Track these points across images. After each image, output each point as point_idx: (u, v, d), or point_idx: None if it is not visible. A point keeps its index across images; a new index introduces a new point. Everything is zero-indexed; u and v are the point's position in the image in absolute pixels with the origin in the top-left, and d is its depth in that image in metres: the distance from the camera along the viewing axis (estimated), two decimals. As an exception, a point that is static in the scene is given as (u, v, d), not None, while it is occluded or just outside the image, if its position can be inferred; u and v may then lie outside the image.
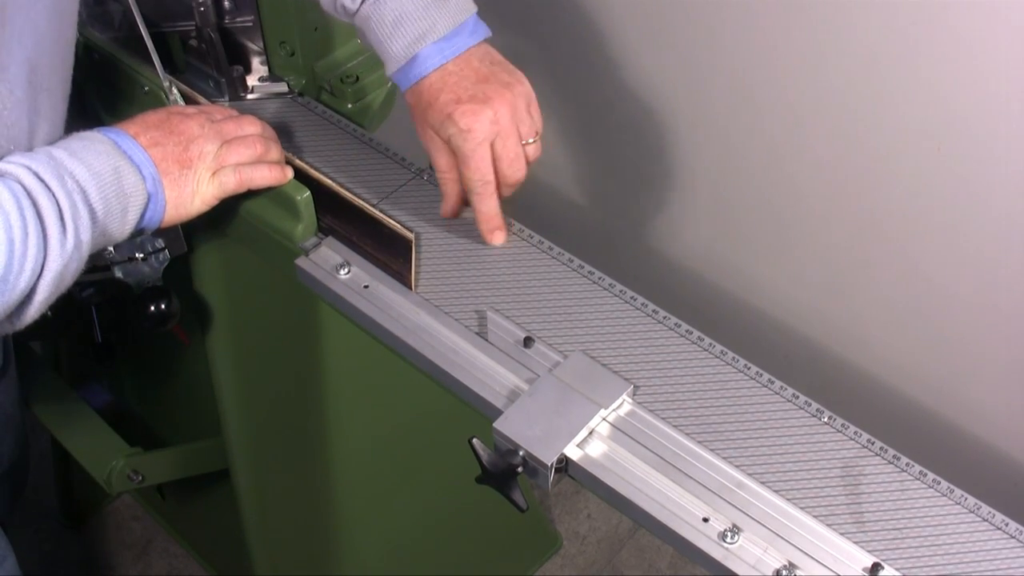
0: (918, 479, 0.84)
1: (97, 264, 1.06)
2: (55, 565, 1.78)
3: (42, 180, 0.81)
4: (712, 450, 0.85)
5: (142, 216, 0.90)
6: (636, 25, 1.39)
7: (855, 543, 0.80)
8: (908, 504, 0.82)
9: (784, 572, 0.78)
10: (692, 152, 1.45)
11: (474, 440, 0.85)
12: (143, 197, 0.89)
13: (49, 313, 0.84)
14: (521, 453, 0.84)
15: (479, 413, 0.91)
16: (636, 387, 0.90)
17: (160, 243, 1.07)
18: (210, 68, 1.13)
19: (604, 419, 0.87)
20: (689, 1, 1.31)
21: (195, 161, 0.93)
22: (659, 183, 1.52)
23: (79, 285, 1.13)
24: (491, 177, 0.97)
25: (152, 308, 1.07)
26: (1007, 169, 1.13)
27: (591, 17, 1.44)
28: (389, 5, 0.94)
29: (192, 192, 0.93)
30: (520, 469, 0.84)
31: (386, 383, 1.21)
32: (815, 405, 0.89)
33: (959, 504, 0.82)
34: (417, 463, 1.37)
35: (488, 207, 0.99)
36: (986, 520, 0.81)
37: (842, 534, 0.80)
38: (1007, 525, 0.81)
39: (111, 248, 1.05)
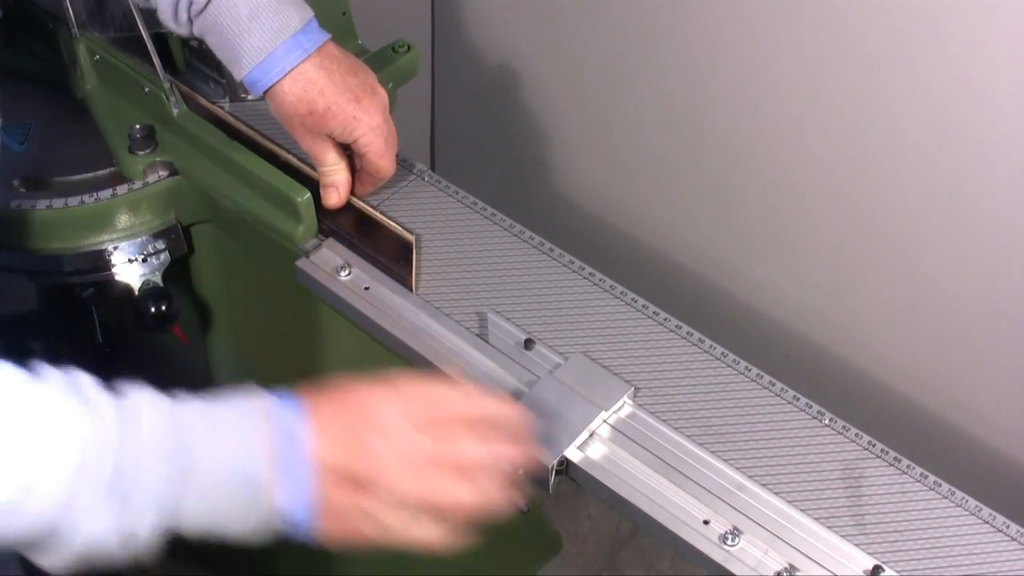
0: (919, 481, 0.84)
1: (97, 264, 1.06)
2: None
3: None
4: (713, 452, 0.85)
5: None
6: (636, 26, 1.39)
7: (856, 545, 0.80)
8: (909, 506, 0.82)
9: (785, 574, 0.78)
10: (693, 153, 1.45)
11: None
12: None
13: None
14: None
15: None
16: (637, 389, 0.90)
17: (161, 244, 1.07)
18: (210, 69, 1.13)
19: (605, 421, 0.87)
20: (690, 2, 1.31)
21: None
22: (660, 184, 1.52)
23: (79, 286, 1.13)
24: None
25: (152, 309, 1.06)
26: (1007, 169, 1.13)
27: (592, 18, 1.44)
28: (242, 0, 0.90)
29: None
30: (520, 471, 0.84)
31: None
32: (816, 407, 0.89)
33: (960, 506, 0.82)
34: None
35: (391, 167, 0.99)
36: (987, 522, 0.81)
37: (843, 536, 0.80)
38: (1008, 527, 0.81)
39: (112, 248, 1.05)
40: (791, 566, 0.78)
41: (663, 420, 0.87)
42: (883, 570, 0.78)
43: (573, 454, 0.85)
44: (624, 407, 0.88)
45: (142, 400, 0.67)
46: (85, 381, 0.66)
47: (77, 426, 0.63)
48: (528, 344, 0.92)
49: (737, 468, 0.84)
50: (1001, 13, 1.05)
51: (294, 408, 0.70)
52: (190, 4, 0.91)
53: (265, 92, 0.93)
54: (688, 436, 0.86)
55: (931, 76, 1.13)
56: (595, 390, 0.88)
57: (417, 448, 0.71)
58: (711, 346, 0.93)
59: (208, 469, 0.66)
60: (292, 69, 0.91)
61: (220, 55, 0.93)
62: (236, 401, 0.70)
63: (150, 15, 0.97)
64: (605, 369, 0.90)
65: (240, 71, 0.92)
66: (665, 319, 0.95)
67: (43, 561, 0.64)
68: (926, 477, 0.84)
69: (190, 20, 0.92)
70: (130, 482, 0.63)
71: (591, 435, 0.86)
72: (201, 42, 1.10)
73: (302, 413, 0.70)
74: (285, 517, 0.69)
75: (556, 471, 0.84)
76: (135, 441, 0.64)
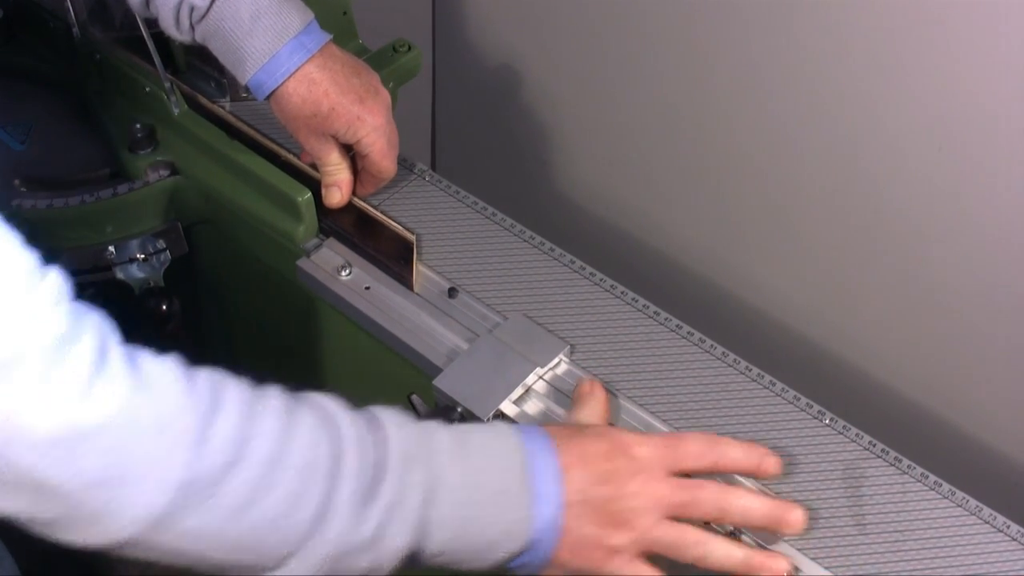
0: (919, 481, 0.84)
1: (98, 264, 1.06)
2: (55, 565, 1.77)
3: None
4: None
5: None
6: (638, 25, 1.39)
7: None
8: (910, 507, 0.82)
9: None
10: (694, 152, 1.45)
11: (413, 396, 0.88)
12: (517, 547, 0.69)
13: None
14: (459, 409, 0.86)
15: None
16: (573, 347, 0.91)
17: (161, 244, 1.07)
18: (211, 68, 1.13)
19: (540, 377, 0.89)
20: (692, 1, 1.31)
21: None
22: (662, 183, 1.52)
23: (80, 286, 1.13)
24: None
25: (153, 308, 1.06)
26: (1009, 169, 1.13)
27: (593, 17, 1.44)
28: (244, 2, 0.90)
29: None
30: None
31: (386, 384, 1.21)
32: (816, 407, 0.89)
33: (961, 507, 0.82)
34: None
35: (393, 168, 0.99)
36: (988, 523, 0.81)
37: (843, 537, 0.80)
38: (1009, 528, 0.81)
39: (112, 248, 1.05)
40: (792, 566, 0.78)
41: (595, 375, 0.89)
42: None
43: (508, 408, 0.87)
44: (560, 364, 0.91)
45: (390, 421, 0.68)
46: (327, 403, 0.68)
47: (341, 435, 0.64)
48: (452, 293, 0.94)
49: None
50: (1002, 14, 1.05)
51: (542, 436, 0.71)
52: (191, 11, 0.90)
53: (269, 95, 0.93)
54: (619, 391, 0.89)
55: (932, 77, 1.13)
56: (532, 348, 0.90)
57: (674, 496, 0.71)
58: (712, 345, 0.93)
59: (460, 485, 0.67)
60: (296, 70, 0.91)
61: (223, 60, 0.93)
62: (486, 427, 0.73)
63: (153, 23, 0.96)
64: (541, 327, 0.92)
65: (244, 74, 0.92)
66: (666, 319, 0.95)
67: (285, 569, 0.64)
68: (927, 477, 0.84)
69: (192, 27, 0.92)
70: (384, 492, 0.64)
71: (527, 391, 0.89)
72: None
73: (551, 440, 0.71)
74: (530, 541, 0.69)
75: None
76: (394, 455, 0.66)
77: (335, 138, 0.95)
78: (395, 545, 0.65)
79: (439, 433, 0.69)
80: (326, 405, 0.68)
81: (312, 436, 0.64)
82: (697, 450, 0.74)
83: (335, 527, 0.63)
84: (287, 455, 0.62)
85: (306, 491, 0.62)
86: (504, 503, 0.68)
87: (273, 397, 0.66)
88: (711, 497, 0.73)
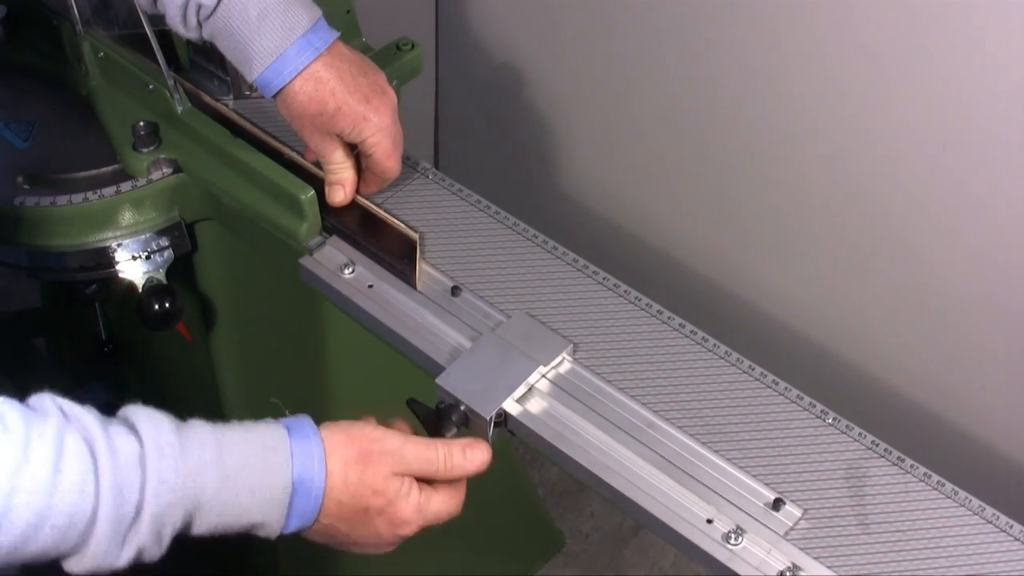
0: (922, 481, 0.84)
1: (101, 262, 1.06)
2: (56, 563, 1.78)
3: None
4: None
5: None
6: (640, 24, 1.39)
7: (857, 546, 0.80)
8: (912, 506, 0.82)
9: (788, 574, 0.78)
10: (698, 151, 1.45)
11: (410, 400, 0.88)
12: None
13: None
14: (462, 408, 0.86)
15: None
16: (576, 345, 0.91)
17: (164, 241, 1.07)
18: (214, 66, 1.13)
19: (543, 376, 0.89)
20: (695, 0, 1.31)
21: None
22: (665, 183, 1.52)
23: (83, 283, 1.14)
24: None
25: (156, 306, 1.06)
26: (1012, 169, 1.13)
27: (596, 16, 1.44)
28: (251, 1, 0.90)
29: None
30: (454, 431, 0.86)
31: (389, 382, 1.21)
32: (820, 406, 0.89)
33: (963, 506, 0.82)
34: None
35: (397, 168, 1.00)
36: (990, 522, 0.81)
37: (846, 536, 0.80)
38: (1011, 527, 0.81)
39: (115, 246, 1.05)
40: (794, 565, 0.78)
41: (598, 374, 0.90)
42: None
43: (511, 407, 0.87)
44: (563, 363, 0.91)
45: (150, 438, 0.70)
46: (88, 424, 0.68)
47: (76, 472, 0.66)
48: (455, 291, 0.94)
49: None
50: (1005, 13, 1.05)
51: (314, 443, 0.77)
52: (199, 8, 0.90)
53: (276, 93, 0.93)
54: (621, 388, 0.89)
55: (935, 76, 1.13)
56: (534, 346, 0.90)
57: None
58: (715, 344, 0.93)
59: (218, 513, 0.72)
60: (303, 69, 0.91)
61: (230, 58, 0.93)
62: (256, 431, 0.75)
63: (158, 20, 0.96)
64: (544, 326, 0.93)
65: (252, 73, 0.92)
66: (669, 317, 0.95)
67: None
68: (929, 477, 0.84)
69: (199, 24, 0.92)
70: (138, 527, 0.68)
71: (530, 389, 0.89)
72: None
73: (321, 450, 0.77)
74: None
75: (495, 423, 0.86)
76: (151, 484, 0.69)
77: (340, 137, 0.95)
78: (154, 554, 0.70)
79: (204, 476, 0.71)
80: (96, 447, 0.67)
81: (76, 493, 0.66)
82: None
83: (94, 554, 0.68)
84: (50, 510, 0.65)
85: (65, 536, 0.66)
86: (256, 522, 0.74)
87: (44, 441, 0.66)
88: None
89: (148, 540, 0.69)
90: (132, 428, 0.70)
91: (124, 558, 0.68)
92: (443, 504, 0.82)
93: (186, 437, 0.71)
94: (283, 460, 0.74)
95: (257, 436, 0.74)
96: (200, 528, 0.72)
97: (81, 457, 0.66)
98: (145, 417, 0.70)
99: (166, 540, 0.70)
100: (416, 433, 0.83)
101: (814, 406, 0.89)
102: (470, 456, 0.82)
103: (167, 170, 1.05)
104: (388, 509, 0.79)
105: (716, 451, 0.85)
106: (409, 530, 0.81)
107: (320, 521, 0.77)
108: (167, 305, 1.07)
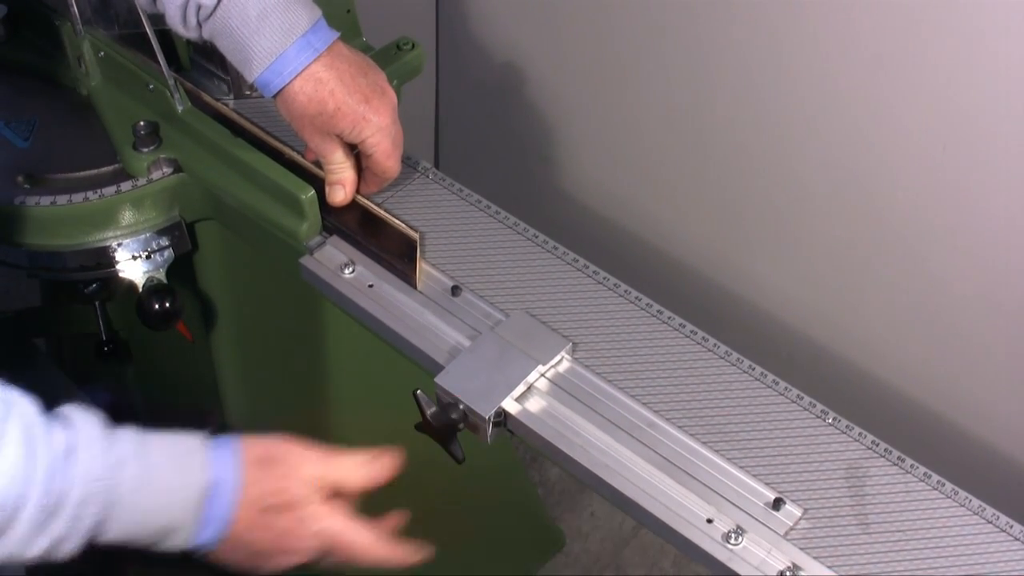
0: (922, 481, 0.84)
1: (101, 262, 1.06)
2: (60, 565, 1.78)
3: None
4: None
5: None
6: (641, 23, 1.39)
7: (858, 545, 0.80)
8: (912, 506, 0.82)
9: (788, 574, 0.78)
10: (698, 151, 1.45)
11: (418, 392, 0.88)
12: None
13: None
14: (461, 407, 0.86)
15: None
16: (575, 345, 0.91)
17: (164, 241, 1.07)
18: (215, 66, 1.13)
19: (543, 375, 0.89)
20: (695, 0, 1.31)
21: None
22: (666, 182, 1.52)
23: (83, 282, 1.13)
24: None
25: (156, 306, 1.06)
26: (1012, 169, 1.13)
27: (597, 15, 1.44)
28: (251, 0, 0.89)
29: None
30: (461, 426, 0.87)
31: (390, 382, 1.21)
32: (820, 406, 0.89)
33: (963, 506, 0.82)
34: (421, 460, 1.36)
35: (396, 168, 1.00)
36: (990, 522, 0.81)
37: (846, 536, 0.80)
38: (1012, 527, 0.81)
39: (115, 246, 1.05)
40: (794, 565, 0.78)
41: (598, 373, 0.90)
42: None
43: (510, 406, 0.87)
44: (562, 362, 0.91)
45: (81, 439, 0.73)
46: (28, 412, 0.71)
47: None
48: (456, 291, 0.94)
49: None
50: (1006, 13, 1.05)
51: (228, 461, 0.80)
52: (198, 8, 0.90)
53: (276, 93, 0.93)
54: (621, 388, 0.89)
55: (936, 76, 1.13)
56: (533, 345, 0.91)
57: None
58: (714, 344, 0.93)
59: (135, 511, 0.75)
60: (303, 70, 0.91)
61: (230, 58, 0.93)
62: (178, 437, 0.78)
63: (158, 19, 0.96)
64: (544, 325, 0.93)
65: (251, 73, 0.92)
66: (669, 317, 0.95)
67: None
68: (929, 477, 0.84)
69: (199, 24, 0.92)
70: (59, 516, 0.71)
71: (529, 388, 0.89)
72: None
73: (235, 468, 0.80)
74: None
75: (494, 423, 0.87)
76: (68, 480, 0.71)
77: (340, 137, 0.95)
78: (68, 550, 0.73)
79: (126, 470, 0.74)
80: (34, 434, 0.70)
81: (8, 477, 0.68)
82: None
83: (11, 541, 0.70)
84: None
85: None
86: (171, 530, 0.77)
87: None
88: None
89: (65, 530, 0.71)
90: (67, 421, 0.73)
91: (38, 547, 0.71)
92: (351, 472, 0.87)
93: (112, 434, 0.74)
94: (200, 462, 0.78)
95: (179, 440, 0.78)
96: (115, 527, 0.74)
97: (18, 443, 0.68)
98: (78, 412, 0.74)
99: (80, 534, 0.72)
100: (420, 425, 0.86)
101: (814, 406, 0.89)
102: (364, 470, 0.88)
103: (167, 170, 1.05)
104: (296, 506, 0.82)
105: (716, 451, 0.85)
106: (321, 522, 0.83)
107: (234, 528, 0.79)
108: (167, 305, 1.07)
